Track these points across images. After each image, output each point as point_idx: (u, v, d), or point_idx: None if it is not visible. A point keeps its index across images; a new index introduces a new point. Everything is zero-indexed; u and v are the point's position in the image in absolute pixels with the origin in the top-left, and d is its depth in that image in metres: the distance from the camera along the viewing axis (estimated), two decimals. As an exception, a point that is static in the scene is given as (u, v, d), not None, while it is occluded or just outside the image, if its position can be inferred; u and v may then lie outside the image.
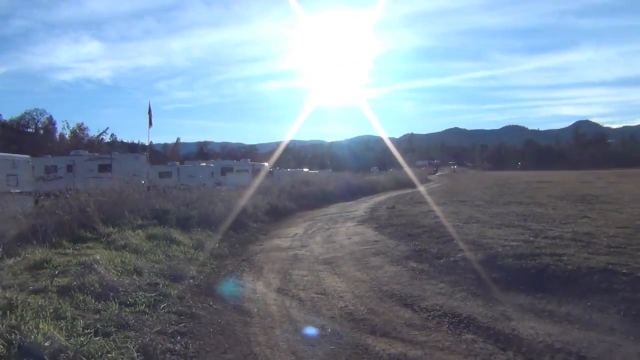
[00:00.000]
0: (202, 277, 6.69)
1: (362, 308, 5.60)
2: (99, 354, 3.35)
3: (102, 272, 5.35)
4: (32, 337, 3.36)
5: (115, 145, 75.91)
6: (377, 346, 4.34)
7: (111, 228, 9.28)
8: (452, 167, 78.14)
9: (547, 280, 5.95)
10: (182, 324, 4.49)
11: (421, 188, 28.56)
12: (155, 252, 7.58)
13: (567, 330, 4.54)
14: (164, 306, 4.91)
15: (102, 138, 75.18)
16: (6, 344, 3.21)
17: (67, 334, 3.64)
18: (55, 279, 5.09)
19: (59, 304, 4.26)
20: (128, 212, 10.70)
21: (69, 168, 34.09)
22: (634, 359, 3.86)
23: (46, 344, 3.32)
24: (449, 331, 4.78)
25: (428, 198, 18.42)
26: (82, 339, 3.60)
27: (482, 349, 4.27)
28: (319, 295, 6.20)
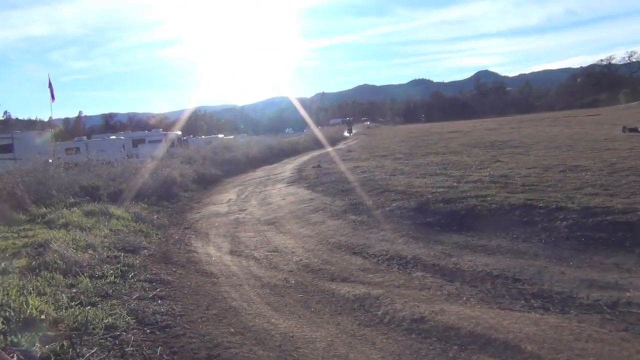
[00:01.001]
0: (153, 247, 6.79)
1: (316, 260, 6.01)
2: (96, 320, 3.51)
3: (60, 250, 5.35)
4: (28, 311, 3.46)
5: (11, 124, 70.69)
6: (341, 290, 4.77)
7: (44, 208, 9.01)
8: (365, 123, 79.43)
9: (475, 220, 6.61)
10: (158, 289, 4.69)
11: (340, 146, 29.30)
12: (99, 228, 7.52)
13: (500, 260, 5.19)
14: (132, 275, 5.05)
15: (-6, 116, 69.27)
16: (5, 320, 3.29)
17: (55, 307, 3.75)
18: (13, 261, 5.03)
19: (36, 281, 4.29)
20: (56, 190, 10.36)
21: (-37, 150, 31.70)
22: (558, 277, 4.53)
23: (42, 317, 3.44)
24: (400, 271, 5.31)
25: (350, 155, 19.02)
26: (72, 310, 3.73)
27: (432, 282, 4.83)
28: (272, 253, 6.54)
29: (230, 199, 12.21)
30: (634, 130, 16.99)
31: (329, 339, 3.66)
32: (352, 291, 4.69)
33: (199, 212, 10.69)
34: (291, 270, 5.68)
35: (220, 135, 66.18)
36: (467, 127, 34.15)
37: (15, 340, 3.06)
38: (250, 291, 4.97)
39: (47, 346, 3.08)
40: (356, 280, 5.10)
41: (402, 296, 4.44)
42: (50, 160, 23.59)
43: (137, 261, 5.64)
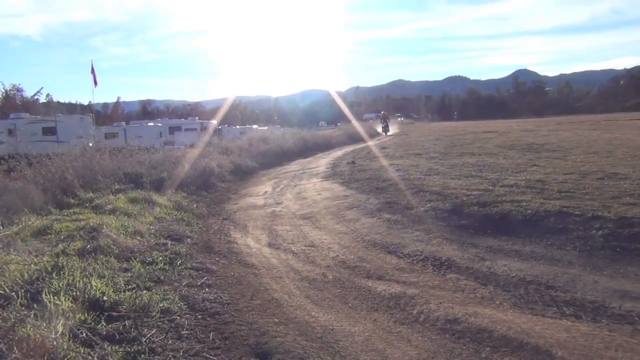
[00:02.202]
0: (196, 236, 7.10)
1: (352, 257, 6.21)
2: (151, 304, 3.80)
3: (112, 235, 5.69)
4: (92, 292, 3.77)
5: (52, 106, 72.48)
6: (377, 287, 4.97)
7: (91, 193, 9.46)
8: (400, 119, 78.80)
9: (510, 224, 6.69)
10: (205, 278, 4.99)
11: (374, 142, 29.35)
12: (144, 215, 7.88)
13: (534, 266, 5.30)
14: (179, 263, 5.36)
15: (37, 98, 71.00)
16: (73, 299, 3.60)
17: (113, 290, 4.06)
18: (70, 243, 5.39)
19: (95, 264, 4.63)
20: (102, 176, 10.83)
21: (10, 132, 32.83)
22: (591, 285, 4.62)
23: (104, 298, 3.75)
24: (434, 272, 5.47)
25: (384, 152, 19.12)
26: (129, 293, 4.05)
27: (466, 285, 4.98)
28: (310, 248, 6.78)
29: (266, 192, 12.49)
30: (677, 138, 16.61)
31: (366, 334, 3.87)
32: (388, 289, 4.88)
33: (236, 204, 11.00)
34: (328, 266, 5.90)
35: (255, 126, 66.82)
36: (503, 127, 33.77)
37: (83, 318, 3.36)
38: (290, 284, 5.21)
39: (109, 325, 3.38)
40: (391, 279, 5.29)
41: (436, 297, 4.61)
42: (91, 144, 24.38)
43: (183, 249, 5.95)
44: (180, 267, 5.24)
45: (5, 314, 3.12)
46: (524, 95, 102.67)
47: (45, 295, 3.55)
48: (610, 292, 4.47)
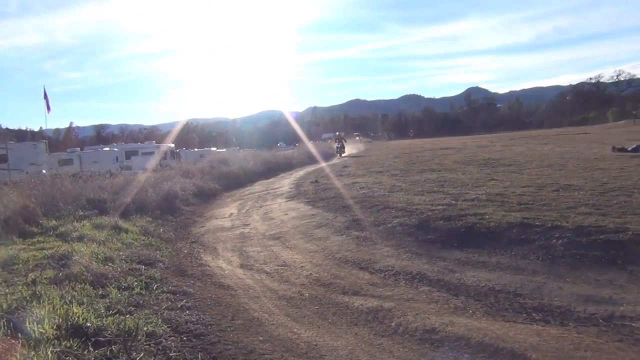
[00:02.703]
0: (167, 260, 7.07)
1: (325, 274, 6.32)
2: (134, 328, 3.79)
3: (84, 262, 5.63)
4: (74, 319, 3.74)
5: (1, 133, 70.27)
6: (354, 302, 5.10)
7: (54, 221, 9.27)
8: (357, 137, 79.68)
9: (475, 237, 6.93)
10: (183, 300, 4.99)
11: (334, 161, 29.66)
12: (112, 241, 7.79)
13: (501, 276, 5.53)
14: (155, 287, 5.35)
15: (-16, 126, 68.67)
16: (56, 327, 3.57)
17: (95, 315, 4.03)
18: (42, 272, 5.30)
19: (73, 291, 4.58)
20: (63, 203, 10.62)
21: (-42, 161, 31.70)
22: (556, 292, 4.88)
23: (88, 324, 3.73)
24: (407, 286, 5.63)
25: (346, 170, 19.36)
26: (111, 318, 4.03)
27: (439, 296, 5.16)
28: (282, 267, 6.85)
29: (232, 213, 12.48)
30: (623, 150, 17.50)
31: (349, 348, 3.98)
32: (365, 304, 5.01)
33: (202, 227, 10.96)
34: (303, 284, 5.99)
35: (213, 149, 66.39)
36: (459, 143, 34.68)
37: (69, 345, 3.35)
38: (268, 303, 5.28)
39: (96, 351, 3.37)
40: (367, 294, 5.42)
41: (412, 309, 4.76)
42: (44, 172, 23.74)
43: (157, 274, 5.94)
44: (157, 292, 5.23)
45: (-10, 344, 3.08)
46: (477, 112, 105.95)
47: (29, 323, 3.52)
48: (574, 297, 4.72)
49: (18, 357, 2.93)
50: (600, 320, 4.17)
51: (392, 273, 6.13)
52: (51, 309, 3.87)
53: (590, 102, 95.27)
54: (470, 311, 4.68)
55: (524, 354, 3.56)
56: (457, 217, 7.70)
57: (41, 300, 4.07)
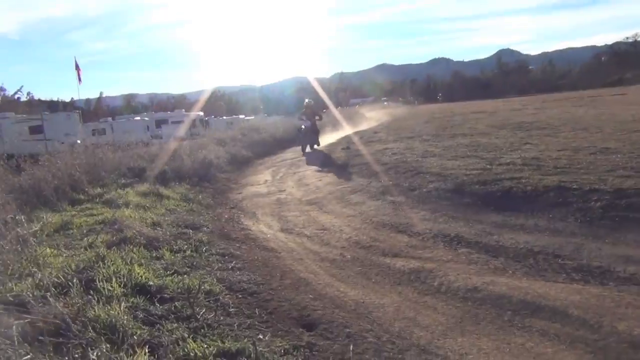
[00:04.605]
0: (210, 225, 7.34)
1: (364, 237, 6.51)
2: (195, 286, 4.05)
3: (136, 226, 5.93)
4: (137, 279, 4.03)
5: (34, 105, 71.53)
6: (396, 264, 5.28)
7: (99, 189, 9.63)
8: (385, 102, 78.85)
9: (511, 200, 7.00)
10: (233, 262, 5.25)
11: (364, 127, 29.54)
12: (155, 207, 8.10)
13: (539, 238, 5.62)
14: (204, 250, 5.61)
15: (19, 97, 69.94)
16: (122, 285, 3.86)
17: (154, 275, 4.31)
18: (97, 236, 5.61)
19: (132, 253, 4.88)
20: (105, 172, 10.99)
21: (-5, 132, 32.57)
22: (595, 253, 4.96)
23: (150, 283, 4.01)
24: (446, 248, 5.79)
25: (376, 136, 19.33)
26: (170, 278, 4.31)
27: (478, 258, 5.31)
28: (322, 231, 7.06)
29: (266, 180, 12.74)
30: (662, 111, 17.03)
31: (395, 305, 4.18)
32: (406, 265, 5.19)
33: (239, 193, 11.23)
34: (344, 247, 6.19)
35: (242, 116, 66.63)
36: (491, 107, 34.04)
37: (135, 301, 3.62)
38: (312, 264, 5.51)
39: (161, 307, 3.64)
40: (407, 256, 5.60)
41: (453, 269, 4.92)
42: (79, 142, 24.33)
43: (204, 237, 6.18)
44: (206, 254, 5.49)
45: (69, 300, 3.36)
46: (508, 74, 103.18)
47: (99, 282, 3.80)
48: (614, 257, 4.80)
49: (96, 310, 3.20)
50: (641, 280, 4.26)
51: (430, 236, 6.28)
52: (115, 269, 4.15)
53: (627, 62, 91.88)
54: (510, 271, 4.82)
55: (565, 310, 3.70)
56: (493, 181, 7.74)
57: (105, 262, 4.35)
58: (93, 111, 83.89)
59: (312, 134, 18.06)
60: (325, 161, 14.44)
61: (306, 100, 18.90)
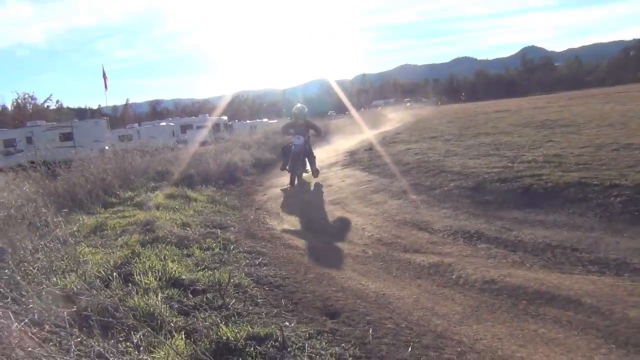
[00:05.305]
0: (237, 225, 7.62)
1: (386, 235, 6.70)
2: (225, 279, 4.31)
3: (167, 227, 6.23)
4: (170, 273, 4.32)
5: (63, 112, 73.31)
6: (416, 259, 5.47)
7: (129, 192, 10.03)
8: (408, 103, 78.64)
9: (532, 197, 7.10)
10: (260, 259, 5.51)
11: (386, 128, 29.63)
12: (184, 209, 8.42)
13: (558, 233, 5.74)
14: (232, 248, 5.88)
15: (48, 105, 71.83)
16: (157, 279, 4.15)
17: (186, 270, 4.60)
18: (131, 236, 5.94)
19: (165, 251, 5.19)
20: (134, 175, 11.41)
21: (29, 140, 33.61)
22: (613, 246, 5.06)
23: (183, 277, 4.29)
24: (465, 243, 5.94)
25: (399, 137, 19.45)
26: (201, 272, 4.59)
27: (497, 252, 5.46)
28: (345, 230, 7.28)
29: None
30: (690, 106, 16.81)
31: (414, 296, 4.37)
32: (426, 260, 5.37)
33: (264, 195, 11.50)
34: (366, 244, 6.40)
35: (265, 120, 67.19)
36: (515, 105, 33.81)
37: (170, 293, 3.89)
38: (335, 260, 5.75)
39: (194, 298, 3.91)
40: (427, 251, 5.78)
41: (471, 263, 5.09)
42: (107, 148, 24.97)
43: (231, 237, 6.47)
44: (234, 251, 5.75)
45: (110, 292, 3.65)
46: (533, 72, 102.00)
47: (137, 275, 4.09)
48: (630, 250, 4.90)
49: (135, 300, 3.49)
50: (656, 271, 4.37)
51: (450, 232, 6.43)
52: (150, 265, 4.45)
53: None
54: (528, 265, 4.96)
55: (578, 299, 3.84)
56: (514, 178, 7.84)
57: (141, 258, 4.65)
58: (120, 117, 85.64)
59: (304, 157, 12.53)
60: (348, 162, 14.62)
61: (297, 106, 13.11)
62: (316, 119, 38.11)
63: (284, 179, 13.55)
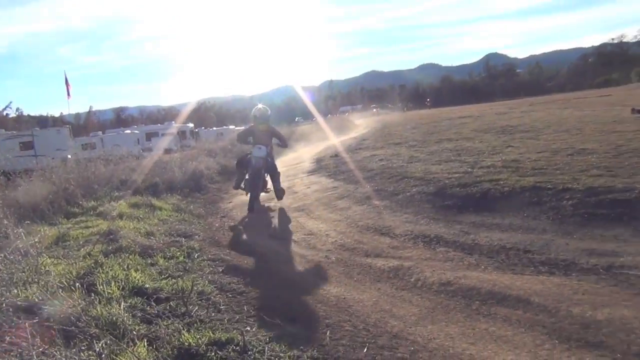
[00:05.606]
0: (201, 233, 7.65)
1: (349, 240, 6.85)
2: (189, 288, 4.36)
3: (130, 236, 6.24)
4: (134, 282, 4.36)
5: (23, 120, 71.68)
6: (377, 263, 5.62)
7: (92, 202, 9.93)
8: (374, 109, 79.38)
9: (490, 202, 7.34)
10: (223, 266, 5.58)
11: (352, 134, 29.89)
12: (149, 218, 8.41)
13: (512, 236, 5.97)
14: (196, 256, 5.93)
15: (7, 113, 70.08)
16: (120, 288, 4.18)
17: (150, 279, 4.64)
18: (94, 246, 5.92)
19: (128, 260, 5.20)
20: (97, 185, 11.28)
21: (-13, 149, 32.74)
22: (563, 247, 5.31)
23: (146, 286, 4.33)
24: (425, 247, 6.12)
25: (364, 143, 19.68)
26: (164, 281, 4.64)
27: (454, 255, 5.65)
28: (309, 236, 7.39)
29: (256, 189, 13.00)
30: (643, 111, 17.52)
31: (373, 299, 4.51)
32: (387, 264, 5.52)
33: (230, 202, 11.52)
34: (329, 250, 6.53)
35: (232, 127, 66.83)
36: (478, 111, 34.54)
37: (133, 302, 3.94)
38: (299, 266, 5.87)
39: (157, 306, 3.96)
40: (388, 256, 5.94)
41: (429, 266, 5.26)
42: (69, 157, 24.54)
43: (196, 245, 6.52)
44: (198, 259, 5.81)
45: (72, 302, 3.67)
46: (496, 78, 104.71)
47: (99, 285, 4.12)
48: (579, 251, 5.15)
49: (98, 310, 3.53)
50: (601, 270, 4.61)
51: (411, 237, 6.61)
52: (113, 274, 4.48)
53: (612, 63, 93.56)
54: (483, 267, 5.16)
55: (528, 299, 4.04)
56: (473, 183, 8.09)
57: (104, 268, 4.68)
58: (83, 125, 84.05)
59: (266, 173, 10.07)
60: (314, 169, 14.73)
61: (258, 107, 10.40)
62: (283, 126, 38.06)
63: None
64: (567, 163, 8.68)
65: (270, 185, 10.31)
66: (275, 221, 8.86)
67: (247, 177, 9.91)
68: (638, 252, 4.87)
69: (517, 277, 4.64)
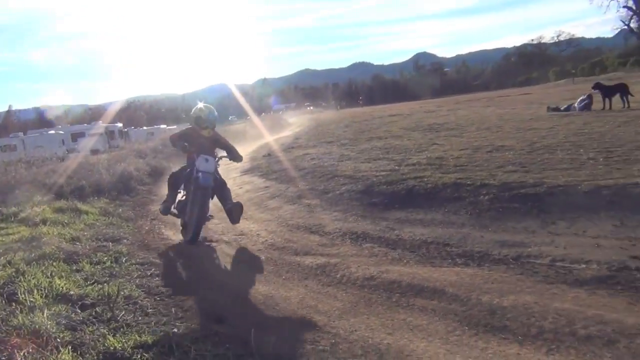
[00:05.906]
0: (130, 237, 7.54)
1: (279, 240, 6.98)
2: (115, 292, 4.34)
3: (54, 242, 6.08)
4: (58, 289, 4.28)
5: None
6: (305, 261, 5.78)
7: (13, 208, 9.52)
8: (308, 107, 79.84)
9: (414, 198, 7.67)
10: (152, 269, 5.55)
11: (286, 133, 30.00)
12: (74, 223, 8.18)
13: (433, 230, 6.31)
14: (124, 260, 5.86)
15: None
16: (44, 296, 4.11)
17: (75, 286, 4.57)
18: (15, 254, 5.73)
19: (52, 267, 5.08)
20: (19, 189, 10.83)
21: None
22: (478, 240, 5.69)
23: (71, 292, 4.27)
24: (352, 244, 6.36)
25: (298, 142, 19.84)
26: (90, 287, 4.58)
27: (379, 251, 5.91)
28: (240, 236, 7.47)
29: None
30: (556, 109, 18.81)
31: (300, 296, 4.66)
32: (314, 261, 5.69)
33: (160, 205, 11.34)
34: (259, 249, 6.63)
35: (163, 126, 65.24)
36: (407, 109, 35.57)
37: (57, 310, 3.89)
38: (228, 267, 5.96)
39: (83, 313, 3.93)
40: (316, 253, 6.11)
41: (355, 262, 5.47)
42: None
43: (124, 249, 6.43)
44: (126, 264, 5.74)
45: (-8, 312, 3.60)
46: (425, 77, 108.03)
47: (21, 294, 4.04)
48: (492, 243, 5.53)
49: (20, 319, 3.47)
50: (510, 260, 5.00)
51: (339, 234, 6.83)
52: (36, 283, 4.39)
53: (532, 63, 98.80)
54: (405, 261, 5.44)
55: (443, 289, 4.32)
56: (399, 181, 8.41)
57: (26, 276, 4.57)
58: (2, 126, 79.51)
59: (211, 192, 7.47)
60: (246, 169, 14.71)
61: (199, 107, 7.73)
62: (217, 124, 36.78)
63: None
64: (487, 160, 9.19)
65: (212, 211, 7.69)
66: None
67: (183, 198, 7.50)
68: (543, 242, 5.30)
69: (435, 270, 4.93)
